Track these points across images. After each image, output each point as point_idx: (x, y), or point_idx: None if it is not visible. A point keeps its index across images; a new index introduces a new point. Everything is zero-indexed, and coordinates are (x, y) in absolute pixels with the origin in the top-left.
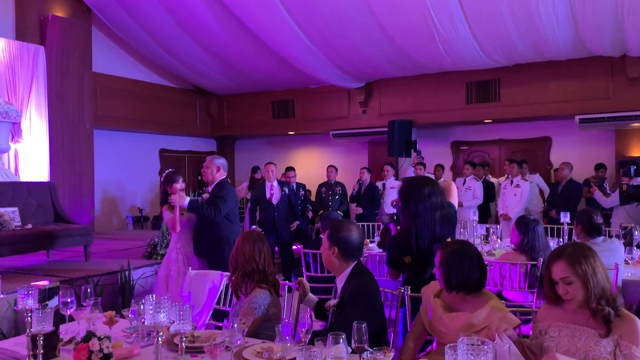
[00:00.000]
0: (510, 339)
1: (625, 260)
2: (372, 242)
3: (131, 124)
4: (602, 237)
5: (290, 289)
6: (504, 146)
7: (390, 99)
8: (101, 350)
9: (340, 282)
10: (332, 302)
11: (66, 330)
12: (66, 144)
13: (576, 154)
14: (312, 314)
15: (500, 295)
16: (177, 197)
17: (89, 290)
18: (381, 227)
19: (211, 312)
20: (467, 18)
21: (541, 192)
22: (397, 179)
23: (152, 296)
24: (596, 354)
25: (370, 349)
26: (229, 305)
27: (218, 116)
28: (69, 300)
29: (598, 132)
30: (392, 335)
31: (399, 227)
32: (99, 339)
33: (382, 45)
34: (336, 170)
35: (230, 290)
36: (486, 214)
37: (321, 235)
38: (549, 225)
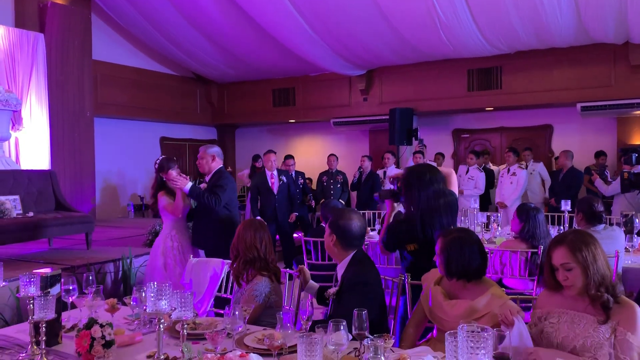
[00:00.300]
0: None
1: (625, 248)
2: (372, 230)
3: (132, 112)
4: (602, 225)
5: (291, 277)
6: (505, 134)
7: (392, 86)
8: (103, 337)
9: (340, 270)
10: (332, 290)
11: (68, 318)
12: (67, 132)
13: (578, 141)
14: (314, 301)
15: (500, 283)
16: (181, 180)
17: (90, 277)
18: (382, 215)
19: (212, 299)
20: (469, 5)
21: (543, 181)
22: (397, 167)
23: (154, 283)
24: (594, 340)
25: (370, 336)
26: (230, 293)
27: (219, 104)
28: (70, 287)
29: (600, 119)
30: (392, 322)
31: (395, 205)
32: (101, 326)
33: (383, 32)
34: (337, 159)
35: (231, 277)
36: (487, 201)
37: (322, 224)
38: (549, 213)
